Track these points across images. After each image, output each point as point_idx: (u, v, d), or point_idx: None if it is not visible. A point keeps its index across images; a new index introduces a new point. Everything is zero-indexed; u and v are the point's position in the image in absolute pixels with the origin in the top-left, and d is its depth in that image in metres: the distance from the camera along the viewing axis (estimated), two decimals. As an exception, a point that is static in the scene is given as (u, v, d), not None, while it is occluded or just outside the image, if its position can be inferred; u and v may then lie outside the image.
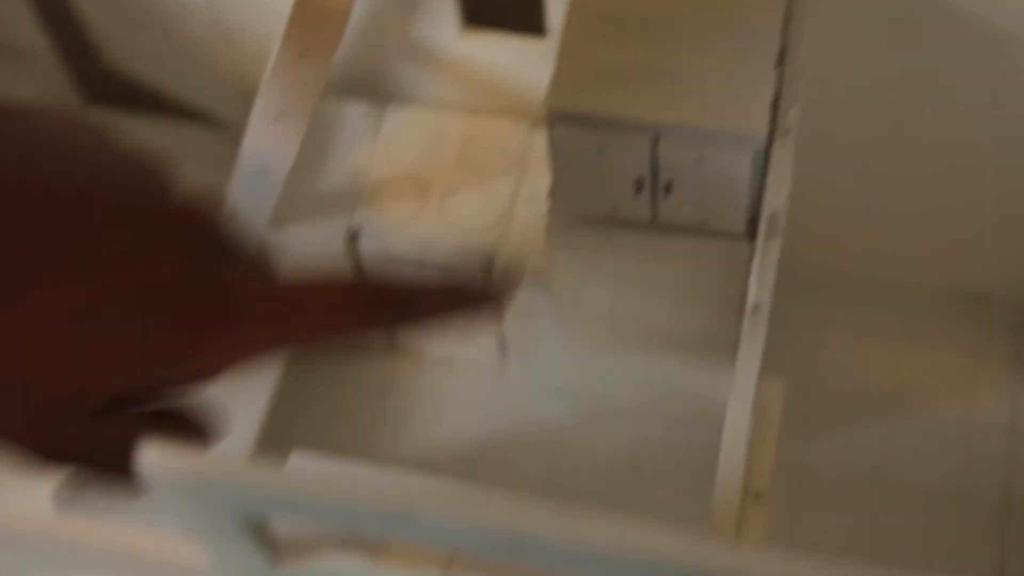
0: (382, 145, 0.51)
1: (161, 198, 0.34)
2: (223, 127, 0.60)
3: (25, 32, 0.57)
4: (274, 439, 0.53)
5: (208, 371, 0.34)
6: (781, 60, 0.39)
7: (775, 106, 0.38)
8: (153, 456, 0.24)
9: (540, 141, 0.50)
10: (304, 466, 0.47)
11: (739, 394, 0.34)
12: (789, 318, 0.55)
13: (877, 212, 0.51)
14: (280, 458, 0.49)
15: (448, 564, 0.31)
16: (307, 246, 0.49)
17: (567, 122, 0.38)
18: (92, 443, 0.33)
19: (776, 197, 0.37)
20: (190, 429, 0.36)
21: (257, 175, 0.45)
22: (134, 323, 0.33)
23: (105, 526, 0.31)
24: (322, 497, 0.24)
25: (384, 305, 0.36)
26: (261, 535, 0.28)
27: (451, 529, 0.24)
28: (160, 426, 0.36)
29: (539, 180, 0.50)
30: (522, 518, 0.24)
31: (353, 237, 0.49)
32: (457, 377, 0.55)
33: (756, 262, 0.37)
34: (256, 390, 0.52)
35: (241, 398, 0.52)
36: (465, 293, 0.37)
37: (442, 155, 0.50)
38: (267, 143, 0.44)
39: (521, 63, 0.50)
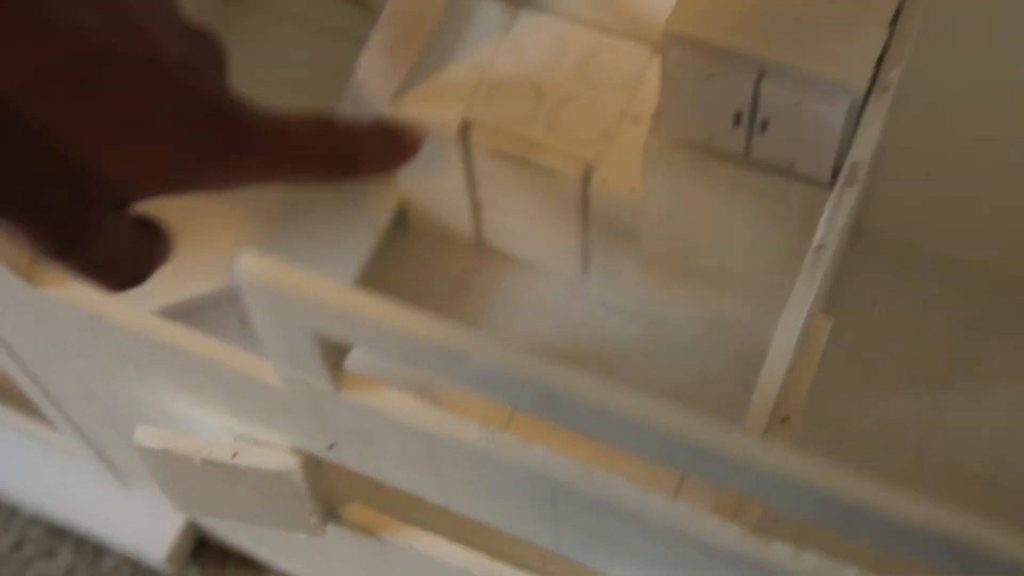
0: (508, 46, 0.53)
1: (184, 17, 0.39)
2: (361, 4, 0.63)
3: None
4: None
5: (200, 190, 0.39)
6: (895, 18, 0.40)
7: (880, 62, 0.40)
8: (248, 261, 0.27)
9: (657, 67, 0.52)
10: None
11: (787, 323, 0.36)
12: (860, 284, 0.56)
13: (963, 190, 0.52)
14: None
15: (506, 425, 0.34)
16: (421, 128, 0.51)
17: (682, 45, 0.40)
18: (104, 234, 0.37)
19: (862, 148, 0.39)
20: (164, 244, 0.41)
21: (388, 51, 0.48)
22: (183, 134, 0.37)
23: (196, 336, 0.34)
24: (386, 324, 0.27)
25: (344, 154, 0.43)
26: (330, 359, 0.31)
27: (496, 375, 0.27)
28: (142, 231, 0.40)
29: (649, 104, 0.51)
30: (561, 376, 0.26)
31: (464, 128, 0.51)
32: (537, 282, 0.58)
33: (829, 205, 0.38)
34: (340, 268, 0.55)
35: (324, 273, 0.55)
36: (398, 143, 0.46)
37: (562, 65, 0.52)
38: (401, 24, 0.46)
39: (653, -11, 0.52)
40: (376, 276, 0.57)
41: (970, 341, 0.55)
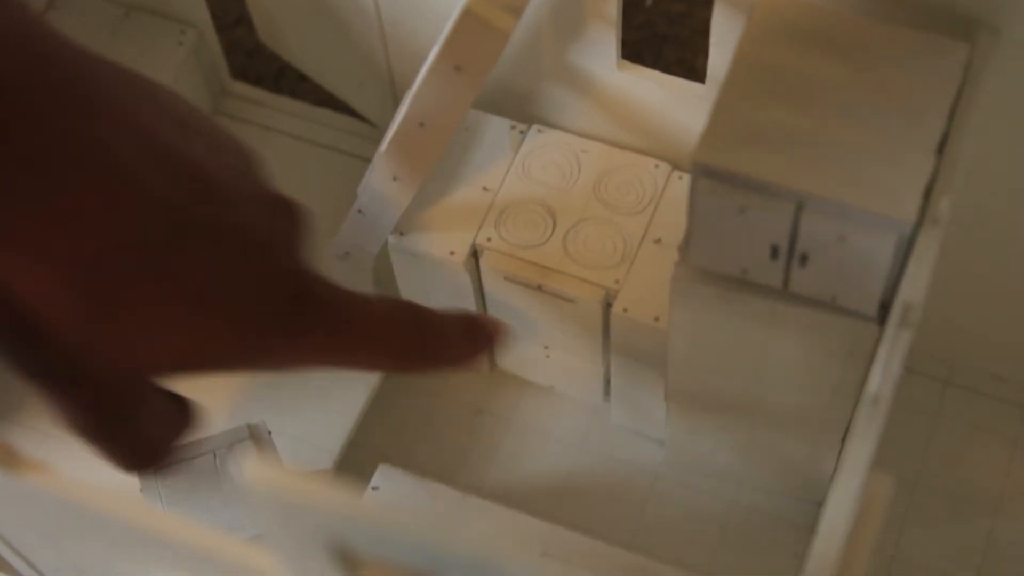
0: (519, 164, 0.50)
1: (270, 184, 0.37)
2: (362, 119, 0.60)
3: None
4: (364, 445, 0.53)
5: (262, 369, 0.37)
6: (942, 147, 0.38)
7: (928, 193, 0.37)
8: (252, 467, 0.24)
9: (677, 186, 0.49)
10: (390, 481, 0.47)
11: (845, 484, 0.33)
12: (902, 404, 0.53)
13: (1010, 308, 0.49)
14: (367, 468, 0.49)
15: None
16: (429, 257, 0.48)
17: (712, 178, 0.37)
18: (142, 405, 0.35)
19: (914, 288, 0.36)
20: (187, 415, 0.38)
21: (390, 181, 0.45)
22: (246, 313, 0.35)
23: (188, 523, 0.31)
24: (411, 535, 0.24)
25: (422, 345, 0.40)
26: (342, 557, 0.28)
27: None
28: (173, 404, 0.38)
29: (669, 225, 0.49)
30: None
31: (476, 253, 0.48)
32: (556, 410, 0.55)
33: (883, 351, 0.35)
34: (352, 394, 0.52)
35: (337, 399, 0.52)
36: (480, 338, 0.42)
37: (577, 184, 0.50)
38: (406, 151, 0.43)
39: (672, 104, 0.49)
40: (387, 404, 0.54)
41: (1020, 461, 0.52)
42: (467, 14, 0.38)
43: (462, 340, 0.42)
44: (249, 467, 0.25)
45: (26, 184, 0.31)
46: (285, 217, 0.37)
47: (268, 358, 0.36)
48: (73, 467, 0.43)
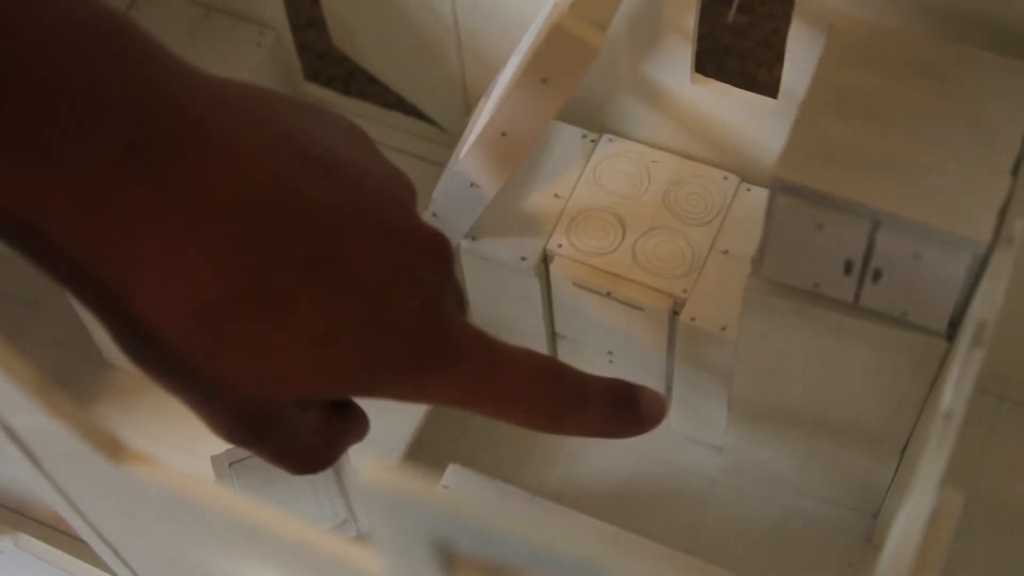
0: (590, 173, 0.51)
1: (414, 220, 0.36)
2: (432, 123, 0.61)
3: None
4: (428, 444, 0.54)
5: (387, 398, 0.37)
6: (1016, 169, 0.38)
7: (1003, 213, 0.38)
8: (369, 466, 0.25)
9: (745, 198, 0.50)
10: (460, 481, 0.48)
11: (916, 500, 0.34)
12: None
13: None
14: (430, 467, 0.50)
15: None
16: (500, 262, 0.49)
17: (791, 193, 0.38)
18: (287, 426, 0.36)
19: (988, 306, 0.36)
20: (354, 428, 0.39)
21: (468, 187, 0.46)
22: (371, 353, 0.35)
23: (290, 521, 0.32)
24: (522, 538, 0.25)
25: (559, 402, 0.38)
26: (444, 555, 0.29)
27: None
28: (329, 419, 0.38)
29: (737, 236, 0.50)
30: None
31: (546, 259, 0.49)
32: (616, 413, 0.55)
33: (955, 368, 0.36)
34: (411, 404, 0.53)
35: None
36: (629, 411, 0.41)
37: (646, 193, 0.51)
38: (485, 159, 0.44)
39: (743, 118, 0.50)
40: (447, 409, 0.55)
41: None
42: (557, 29, 0.39)
43: (607, 410, 0.40)
44: (364, 464, 0.25)
45: (159, 216, 0.31)
46: (426, 255, 0.35)
47: (395, 390, 0.36)
48: (175, 459, 0.44)
